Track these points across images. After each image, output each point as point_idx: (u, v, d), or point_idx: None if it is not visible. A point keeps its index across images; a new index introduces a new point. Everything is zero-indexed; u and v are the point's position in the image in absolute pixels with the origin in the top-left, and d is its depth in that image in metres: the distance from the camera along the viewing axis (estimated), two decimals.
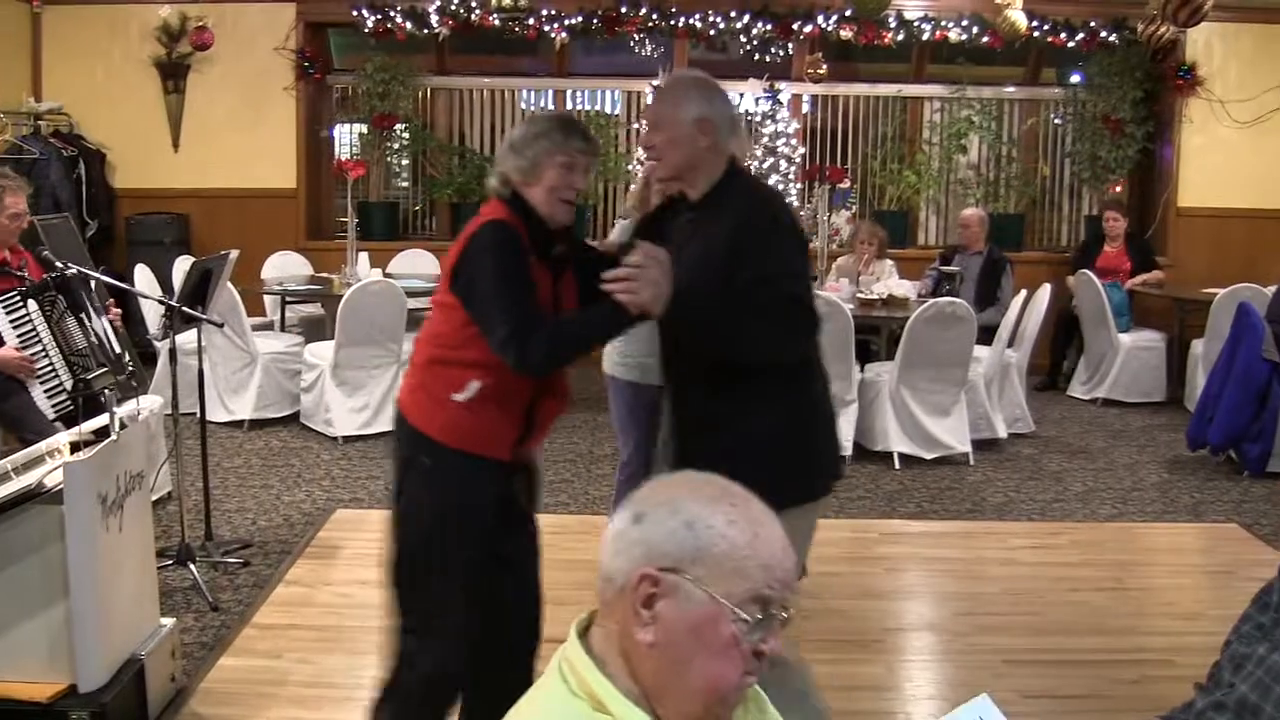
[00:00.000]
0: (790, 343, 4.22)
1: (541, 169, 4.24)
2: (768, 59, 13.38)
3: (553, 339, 4.06)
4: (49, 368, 7.09)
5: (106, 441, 5.19)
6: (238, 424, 10.32)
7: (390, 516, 4.57)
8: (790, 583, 2.25)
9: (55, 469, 5.02)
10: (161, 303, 7.32)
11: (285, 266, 12.14)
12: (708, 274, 4.03)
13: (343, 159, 13.23)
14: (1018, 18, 12.43)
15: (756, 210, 4.21)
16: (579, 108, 14.51)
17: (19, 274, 7.13)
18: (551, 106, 14.44)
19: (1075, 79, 14.11)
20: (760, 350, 4.14)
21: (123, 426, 5.34)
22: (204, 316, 7.15)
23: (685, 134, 4.21)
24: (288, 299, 11.53)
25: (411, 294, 10.56)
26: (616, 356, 6.84)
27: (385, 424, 10.12)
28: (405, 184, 14.55)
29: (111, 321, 7.47)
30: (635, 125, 13.82)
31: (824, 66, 13.45)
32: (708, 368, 4.20)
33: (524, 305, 4.09)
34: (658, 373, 4.70)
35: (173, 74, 13.41)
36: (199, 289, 7.37)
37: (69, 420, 6.66)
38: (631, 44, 13.33)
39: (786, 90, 13.47)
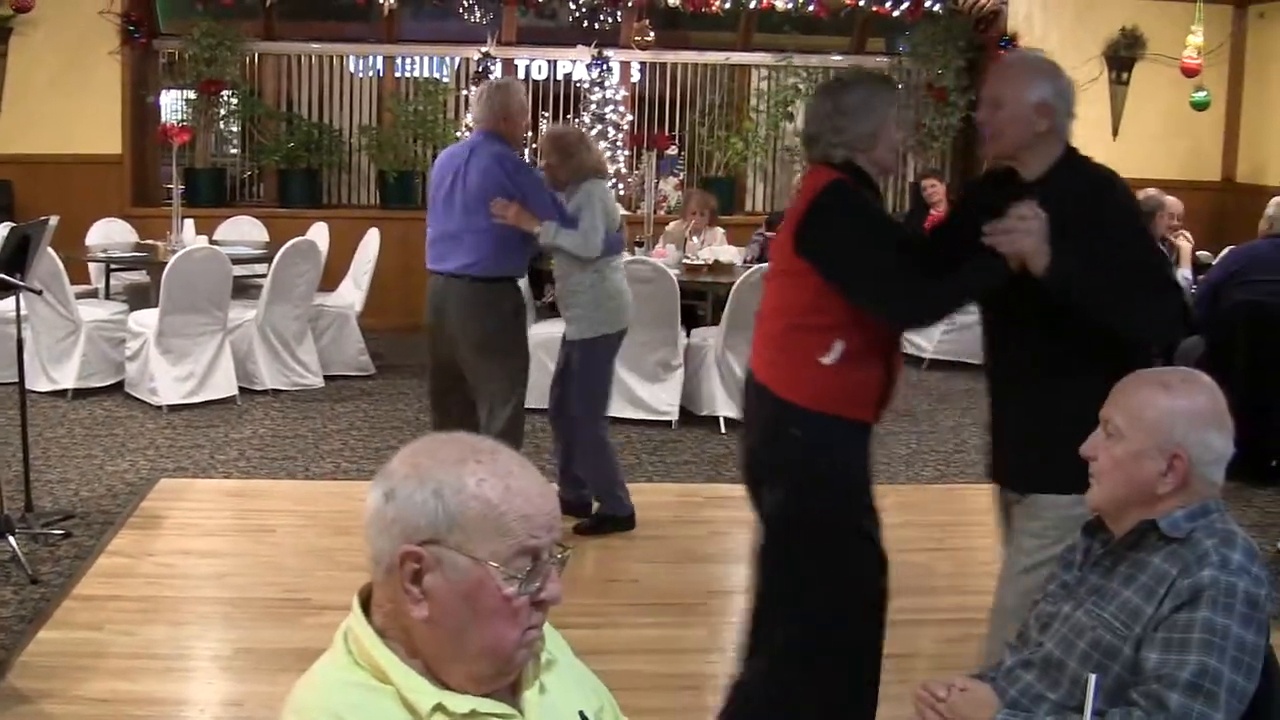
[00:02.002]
0: (1178, 324, 4.29)
1: (884, 129, 4.39)
2: (596, 26, 13.35)
3: (937, 293, 4.18)
4: None
5: None
6: (61, 393, 10.08)
7: (757, 497, 4.63)
8: (555, 525, 2.23)
9: None
10: None
11: (110, 234, 11.87)
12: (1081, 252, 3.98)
13: (169, 124, 12.98)
14: None
15: (1109, 193, 4.18)
16: (408, 74, 14.38)
17: None
18: (380, 73, 14.29)
19: (900, 48, 14.23)
20: (1158, 329, 4.18)
21: None
22: (21, 284, 6.98)
23: (1025, 115, 4.19)
24: (112, 266, 11.29)
25: (237, 261, 10.42)
26: None
27: (211, 393, 10.01)
28: (235, 151, 14.32)
29: None
30: (465, 91, 13.71)
31: (651, 34, 13.46)
32: (1045, 356, 4.15)
33: (898, 261, 4.19)
34: None
35: None
36: (17, 255, 7.19)
37: None
38: (460, 10, 13.24)
39: (615, 58, 13.46)
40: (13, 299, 7.44)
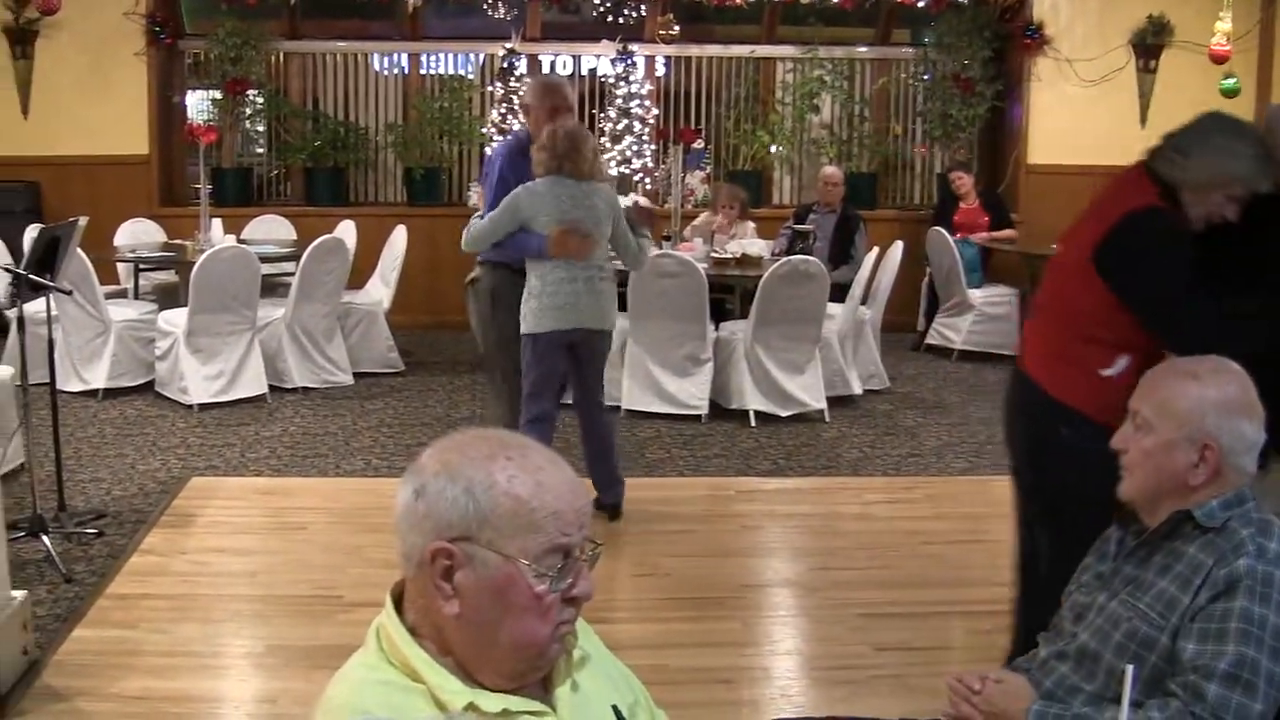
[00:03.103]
0: None
1: (1214, 194, 4.27)
2: (620, 21, 13.35)
3: (1234, 333, 3.99)
4: None
5: None
6: (92, 393, 10.12)
7: (1021, 490, 4.67)
8: (586, 521, 2.23)
9: None
10: (7, 270, 7.18)
11: (138, 234, 11.91)
12: None
13: (195, 124, 13.01)
14: None
15: None
16: (432, 71, 14.39)
17: None
18: (405, 71, 14.31)
19: (926, 40, 14.18)
20: None
21: None
22: (51, 284, 7.01)
23: None
24: (141, 266, 11.32)
25: (265, 259, 10.46)
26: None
27: (241, 391, 10.06)
28: (261, 150, 14.35)
29: None
30: (489, 89, 13.73)
31: (676, 27, 13.44)
32: None
33: (1197, 296, 4.12)
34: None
35: (20, 39, 13.10)
36: (47, 256, 7.22)
37: None
38: (484, 7, 13.24)
39: (639, 52, 13.46)
40: (43, 300, 7.48)
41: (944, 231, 12.39)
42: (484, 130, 13.41)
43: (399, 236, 11.58)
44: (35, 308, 8.16)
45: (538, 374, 7.28)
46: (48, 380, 7.44)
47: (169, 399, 10.07)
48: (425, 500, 2.18)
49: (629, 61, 13.27)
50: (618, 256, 7.51)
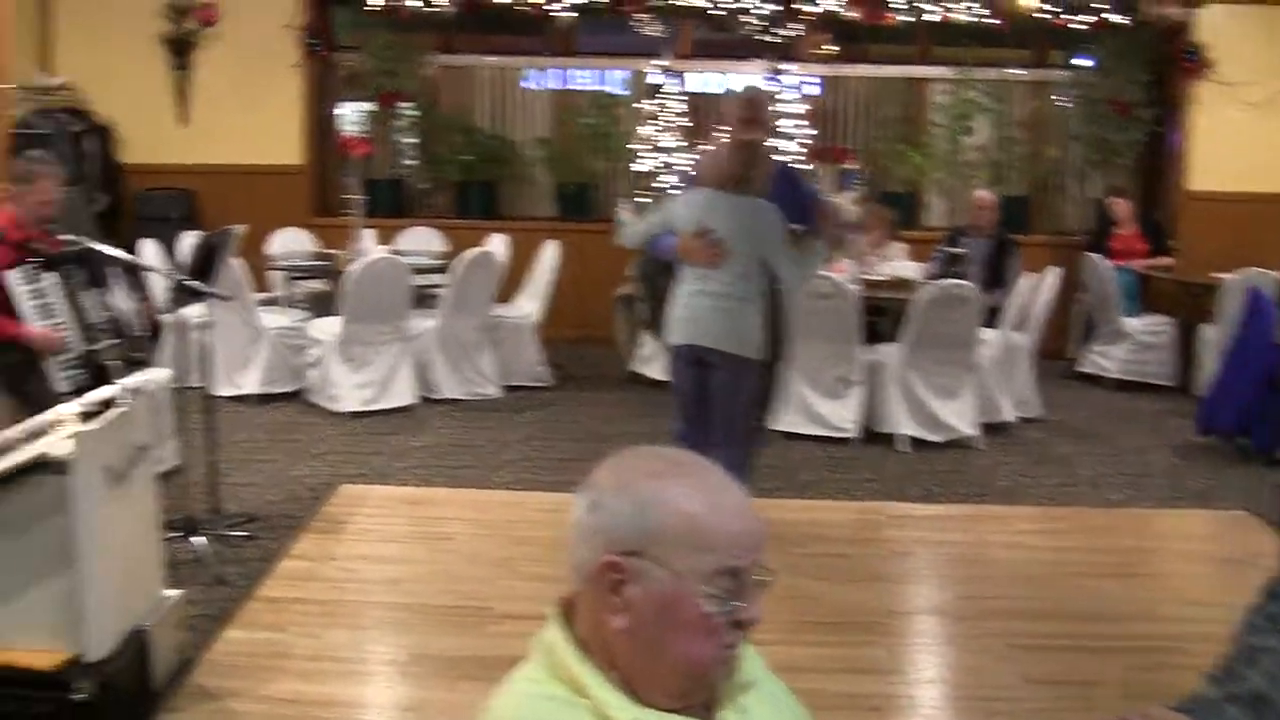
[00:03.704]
0: None
1: None
2: (772, 40, 13.33)
3: None
4: (68, 339, 7.07)
5: (115, 412, 5.17)
6: (243, 399, 10.30)
7: None
8: (758, 545, 2.21)
9: (62, 439, 5.00)
10: (168, 277, 7.32)
11: (291, 242, 12.10)
12: None
13: (349, 136, 13.18)
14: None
15: None
16: (582, 87, 14.45)
17: (37, 247, 7.11)
18: (555, 86, 14.40)
19: (1083, 61, 14.01)
20: None
21: (129, 399, 5.32)
22: (210, 290, 7.14)
23: None
24: (293, 275, 11.49)
25: (417, 271, 10.59)
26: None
27: (391, 400, 10.19)
28: (409, 162, 14.47)
29: (136, 297, 7.48)
30: (640, 105, 13.77)
31: (833, 47, 13.42)
32: None
33: None
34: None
35: (180, 50, 13.36)
36: (204, 264, 7.37)
37: (83, 393, 6.66)
38: (635, 24, 13.28)
39: (791, 72, 13.43)
40: (200, 306, 7.60)
41: (1100, 257, 12.24)
42: (631, 147, 13.44)
43: (549, 251, 11.63)
44: (192, 313, 8.28)
45: (672, 389, 7.27)
46: (201, 384, 7.56)
47: (319, 406, 10.22)
48: (598, 514, 2.18)
49: (780, 81, 13.24)
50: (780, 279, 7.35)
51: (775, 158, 7.14)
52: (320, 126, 13.76)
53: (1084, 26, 13.28)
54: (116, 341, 7.15)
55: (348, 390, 10.05)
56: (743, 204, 6.94)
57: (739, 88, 7.47)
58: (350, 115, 14.14)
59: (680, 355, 7.07)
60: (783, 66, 13.32)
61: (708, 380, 7.03)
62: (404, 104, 13.82)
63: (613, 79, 14.51)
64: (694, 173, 7.47)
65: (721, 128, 7.42)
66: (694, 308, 6.99)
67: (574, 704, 2.17)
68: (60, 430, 5.12)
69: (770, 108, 7.27)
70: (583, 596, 2.23)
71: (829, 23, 13.51)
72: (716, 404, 7.07)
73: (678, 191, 7.59)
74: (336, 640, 6.08)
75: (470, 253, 10.55)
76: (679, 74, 13.61)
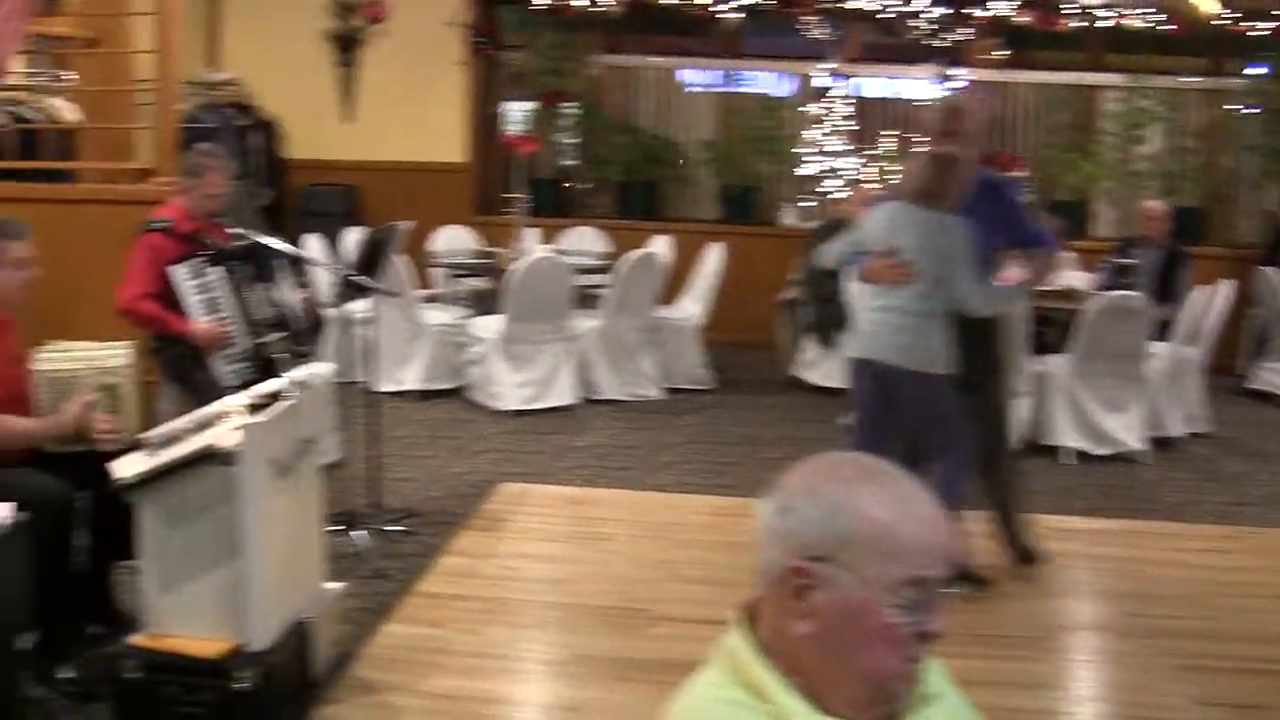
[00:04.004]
0: None
1: None
2: (941, 44, 13.20)
3: None
4: (232, 333, 7.18)
5: (280, 406, 5.22)
6: (404, 394, 10.38)
7: None
8: (945, 558, 2.18)
9: (230, 431, 5.05)
10: (335, 272, 7.39)
11: (454, 240, 12.18)
12: None
13: (513, 134, 13.24)
14: (1205, 3, 12.13)
15: None
16: (747, 89, 14.40)
17: (205, 239, 7.22)
18: (719, 87, 14.38)
19: (1260, 69, 13.70)
20: None
21: (296, 392, 5.36)
22: (376, 285, 7.20)
23: None
24: (456, 272, 11.56)
25: (580, 271, 10.63)
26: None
27: (552, 399, 10.21)
28: (572, 161, 14.51)
29: (301, 290, 7.56)
30: (806, 108, 13.69)
31: (1003, 52, 13.26)
32: None
33: None
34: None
35: (346, 46, 13.52)
36: (370, 259, 7.43)
37: (248, 387, 6.75)
38: (802, 26, 13.21)
39: (959, 77, 13.29)
40: (365, 301, 7.66)
41: (1275, 271, 11.97)
42: (796, 151, 13.37)
43: (713, 253, 11.59)
44: (357, 308, 8.37)
45: (854, 401, 7.15)
46: (359, 379, 7.63)
47: (479, 404, 10.28)
48: (787, 517, 2.16)
49: (948, 86, 13.12)
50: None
51: (982, 169, 6.84)
52: (484, 125, 13.86)
53: (1263, 33, 12.99)
54: (282, 336, 7.24)
55: (509, 388, 10.10)
56: (930, 220, 6.70)
57: (933, 96, 7.35)
58: (514, 114, 14.23)
59: (861, 369, 6.95)
60: (951, 71, 13.19)
61: (889, 395, 6.83)
62: (567, 103, 13.87)
63: (776, 81, 14.46)
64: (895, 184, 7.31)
65: (920, 138, 7.21)
66: (877, 323, 6.82)
67: (755, 709, 2.15)
68: (228, 422, 5.17)
69: (973, 118, 6.95)
70: (767, 601, 2.21)
71: (999, 27, 13.34)
72: (904, 420, 6.86)
73: (840, 197, 7.45)
74: (496, 637, 6.10)
75: (633, 253, 10.56)
76: (846, 77, 13.54)
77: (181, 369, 7.30)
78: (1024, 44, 14.05)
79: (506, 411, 10.02)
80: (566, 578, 6.91)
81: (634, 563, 7.15)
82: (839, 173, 13.15)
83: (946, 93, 12.88)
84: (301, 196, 13.41)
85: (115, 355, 5.89)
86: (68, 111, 11.26)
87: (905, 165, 7.37)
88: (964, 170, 6.77)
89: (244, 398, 5.46)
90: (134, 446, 5.35)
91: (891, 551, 2.11)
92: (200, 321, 7.08)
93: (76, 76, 11.49)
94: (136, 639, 5.16)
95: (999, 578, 7.05)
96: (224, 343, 7.14)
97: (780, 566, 2.15)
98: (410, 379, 10.50)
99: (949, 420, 6.74)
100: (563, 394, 10.27)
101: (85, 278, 7.89)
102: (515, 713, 5.59)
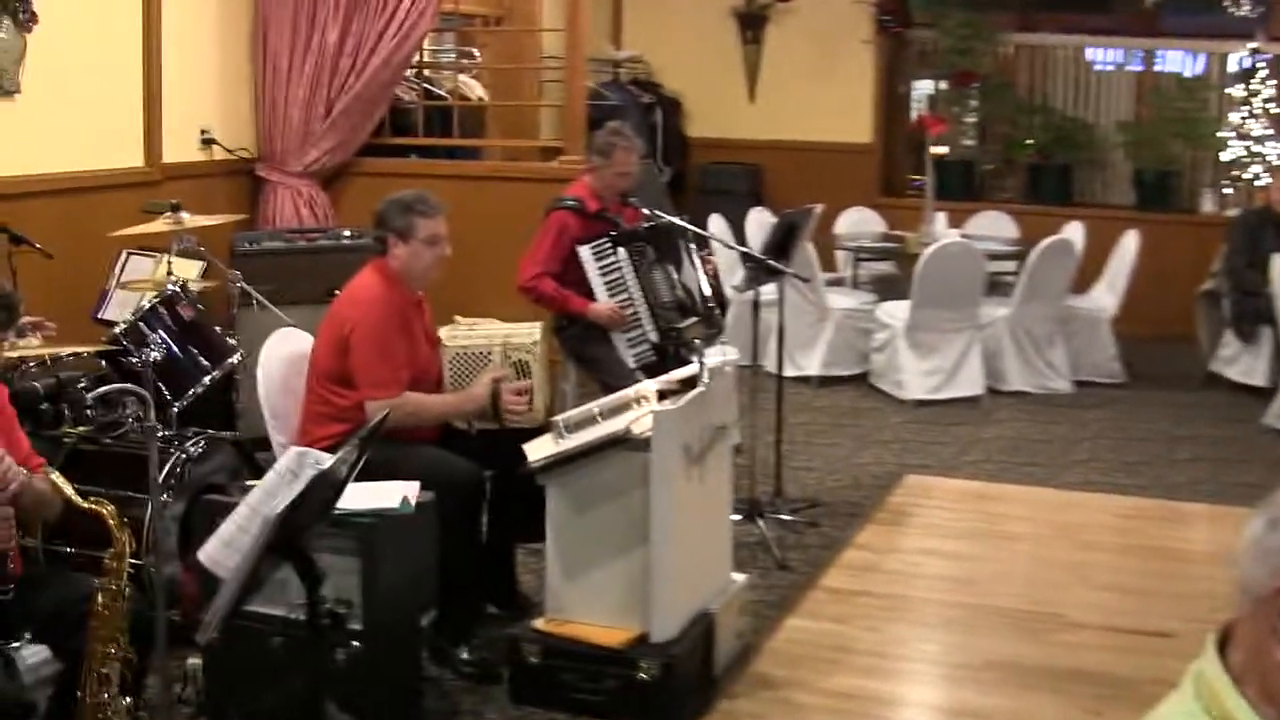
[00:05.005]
0: None
1: None
2: None
3: None
4: (635, 317, 7.25)
5: (695, 391, 5.20)
6: (805, 380, 10.33)
7: None
8: None
9: (641, 416, 5.06)
10: (746, 255, 7.37)
11: (858, 223, 12.06)
12: None
13: (925, 115, 13.05)
14: None
15: None
16: (1165, 69, 13.92)
17: (614, 219, 7.28)
18: (1136, 68, 13.93)
19: None
20: None
21: (708, 378, 5.33)
22: (789, 270, 7.15)
23: None
24: (861, 256, 11.46)
25: (991, 257, 10.38)
26: None
27: (957, 389, 10.01)
28: (970, 142, 14.23)
29: (708, 272, 7.58)
30: (1229, 90, 13.14)
31: None
32: None
33: None
34: None
35: (751, 24, 13.57)
36: (783, 242, 7.38)
37: (650, 370, 6.80)
38: (1226, 4, 12.67)
39: None
40: (772, 285, 7.62)
41: None
42: (1219, 134, 12.84)
43: (1129, 241, 11.18)
44: (763, 292, 8.31)
45: None
46: (765, 364, 7.59)
47: (883, 392, 10.18)
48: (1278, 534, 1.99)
49: None
50: None
51: None
52: (891, 104, 13.72)
53: None
54: (689, 321, 7.25)
55: (914, 377, 9.96)
56: None
57: None
58: (921, 93, 14.06)
59: None
60: None
61: None
62: (976, 83, 13.61)
63: (1193, 61, 13.94)
64: None
65: None
66: None
67: None
68: (640, 408, 5.19)
69: None
70: (1245, 622, 2.04)
71: None
72: None
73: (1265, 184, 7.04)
74: (899, 636, 6.02)
75: (1046, 240, 10.27)
76: (1272, 57, 12.94)
77: (584, 349, 7.41)
78: None
79: (910, 400, 9.88)
80: (971, 576, 6.75)
81: (1040, 564, 6.95)
82: (1264, 158, 12.57)
83: None
84: (702, 175, 13.50)
85: (525, 332, 5.96)
86: (476, 88, 11.56)
87: None
88: None
89: (655, 383, 5.46)
90: (543, 428, 5.42)
91: None
92: (603, 302, 7.16)
93: (481, 55, 11.78)
94: (537, 623, 5.24)
95: None
96: (626, 324, 7.20)
97: (1266, 587, 1.98)
98: (813, 364, 10.45)
99: None
100: (969, 384, 10.05)
101: (490, 255, 8.06)
102: (916, 716, 5.48)
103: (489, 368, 5.77)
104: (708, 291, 7.56)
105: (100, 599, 4.16)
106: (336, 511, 4.16)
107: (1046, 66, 14.07)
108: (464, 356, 5.85)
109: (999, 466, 8.59)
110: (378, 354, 5.39)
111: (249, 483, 4.71)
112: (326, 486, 3.78)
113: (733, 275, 10.08)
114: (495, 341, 5.90)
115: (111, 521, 4.23)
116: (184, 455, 5.65)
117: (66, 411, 5.78)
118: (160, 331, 6.18)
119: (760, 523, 6.96)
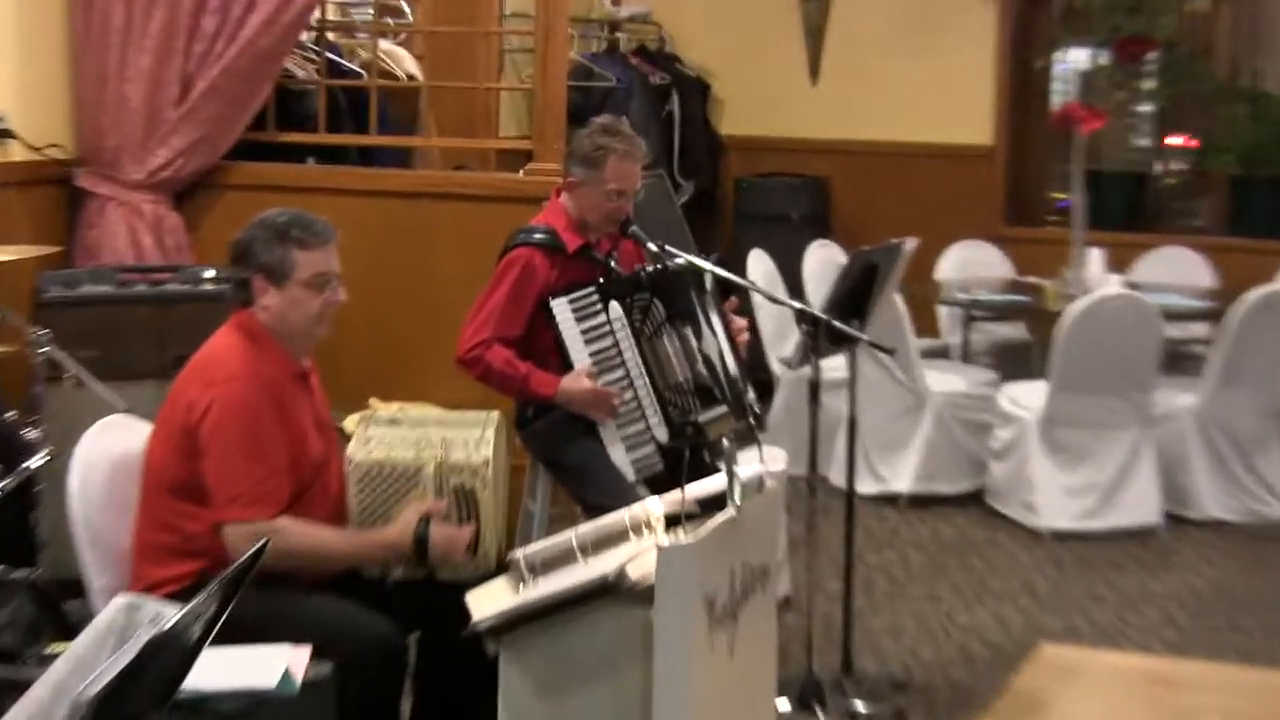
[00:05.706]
0: None
1: None
2: None
3: None
4: (633, 404, 7.19)
5: (722, 517, 5.18)
6: (890, 500, 10.39)
7: None
8: None
9: (642, 552, 5.05)
10: (803, 312, 7.29)
11: (972, 263, 12.12)
12: None
13: (1071, 104, 13.08)
14: None
15: None
16: None
17: (604, 261, 7.21)
18: None
19: None
20: None
21: (739, 497, 5.32)
22: (864, 337, 7.09)
23: None
24: (975, 314, 11.48)
25: (1172, 317, 10.38)
26: None
27: (1119, 516, 10.04)
28: (1144, 142, 14.30)
29: (742, 340, 7.54)
30: None
31: None
32: None
33: None
34: None
35: None
36: (858, 293, 7.32)
37: (656, 485, 6.76)
38: None
39: None
40: (839, 357, 7.57)
41: None
42: None
43: None
44: (827, 367, 8.26)
45: None
46: (829, 476, 7.61)
47: (1007, 518, 10.23)
48: None
49: None
50: None
51: None
52: (1021, 89, 13.85)
53: None
54: (714, 412, 7.18)
55: (1053, 496, 10.00)
56: None
57: None
58: (1068, 70, 14.15)
59: None
60: None
61: None
62: (1153, 56, 13.63)
63: None
64: None
65: None
66: None
67: None
68: (640, 540, 5.19)
69: None
70: None
71: None
72: None
73: None
74: None
75: (1256, 291, 10.27)
76: None
77: (559, 452, 7.38)
78: None
79: (1048, 531, 9.92)
80: None
81: None
82: None
83: None
84: (739, 193, 13.52)
85: (473, 440, 5.89)
86: (405, 61, 11.54)
87: None
88: None
89: (661, 503, 5.46)
90: (496, 571, 5.42)
91: None
92: (579, 373, 7.09)
93: (414, 11, 11.75)
94: None
95: None
96: (617, 415, 7.16)
97: None
98: (901, 477, 10.51)
99: None
100: (1139, 508, 10.09)
101: (423, 307, 8.06)
102: None
103: (413, 495, 5.71)
104: (741, 368, 7.51)
105: None
106: (184, 694, 4.15)
107: (1259, 31, 14.10)
108: (377, 477, 5.78)
109: (1183, 634, 8.60)
110: (242, 456, 5.36)
111: (51, 648, 4.70)
112: (170, 655, 3.77)
113: (782, 343, 10.09)
114: (425, 458, 5.82)
115: None
116: None
117: None
118: None
119: (821, 715, 6.96)
